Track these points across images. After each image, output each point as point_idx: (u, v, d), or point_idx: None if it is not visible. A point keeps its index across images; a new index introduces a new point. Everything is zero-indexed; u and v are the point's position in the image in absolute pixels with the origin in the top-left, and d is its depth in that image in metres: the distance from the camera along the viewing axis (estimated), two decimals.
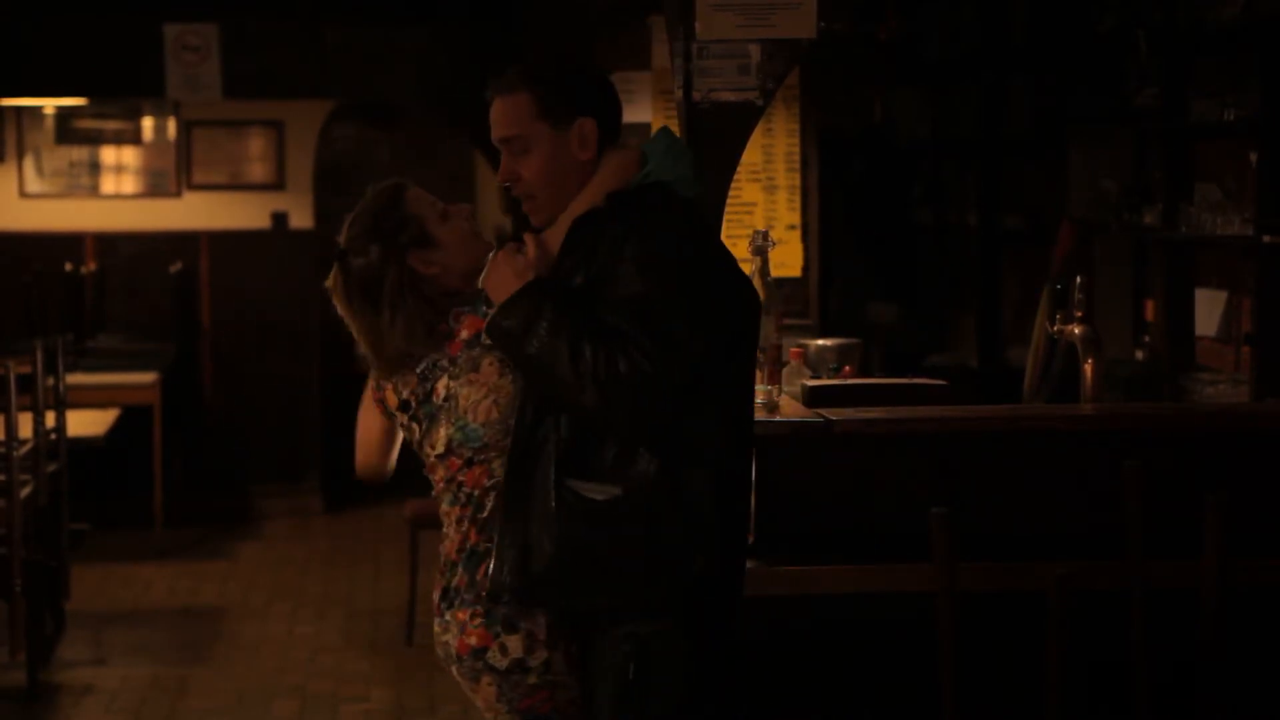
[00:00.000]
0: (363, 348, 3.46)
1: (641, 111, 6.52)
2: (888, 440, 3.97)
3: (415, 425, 3.43)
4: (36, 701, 6.68)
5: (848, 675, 3.87)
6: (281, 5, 9.71)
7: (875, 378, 5.67)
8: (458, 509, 3.39)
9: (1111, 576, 3.58)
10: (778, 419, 3.95)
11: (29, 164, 11.07)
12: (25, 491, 6.78)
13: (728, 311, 3.28)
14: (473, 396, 3.35)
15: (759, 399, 3.90)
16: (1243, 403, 6.17)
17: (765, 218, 6.44)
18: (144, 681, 6.98)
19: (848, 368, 5.51)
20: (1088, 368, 4.47)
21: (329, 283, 3.47)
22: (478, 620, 3.34)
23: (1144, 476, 3.53)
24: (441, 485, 3.42)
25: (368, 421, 3.58)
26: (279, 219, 11.23)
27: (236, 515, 10.50)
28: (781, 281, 4.80)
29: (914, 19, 8.79)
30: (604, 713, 3.29)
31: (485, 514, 3.36)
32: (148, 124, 11.18)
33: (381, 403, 3.50)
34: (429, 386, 3.39)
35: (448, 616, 3.39)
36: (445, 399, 3.37)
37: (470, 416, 3.35)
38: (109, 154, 11.19)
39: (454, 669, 3.41)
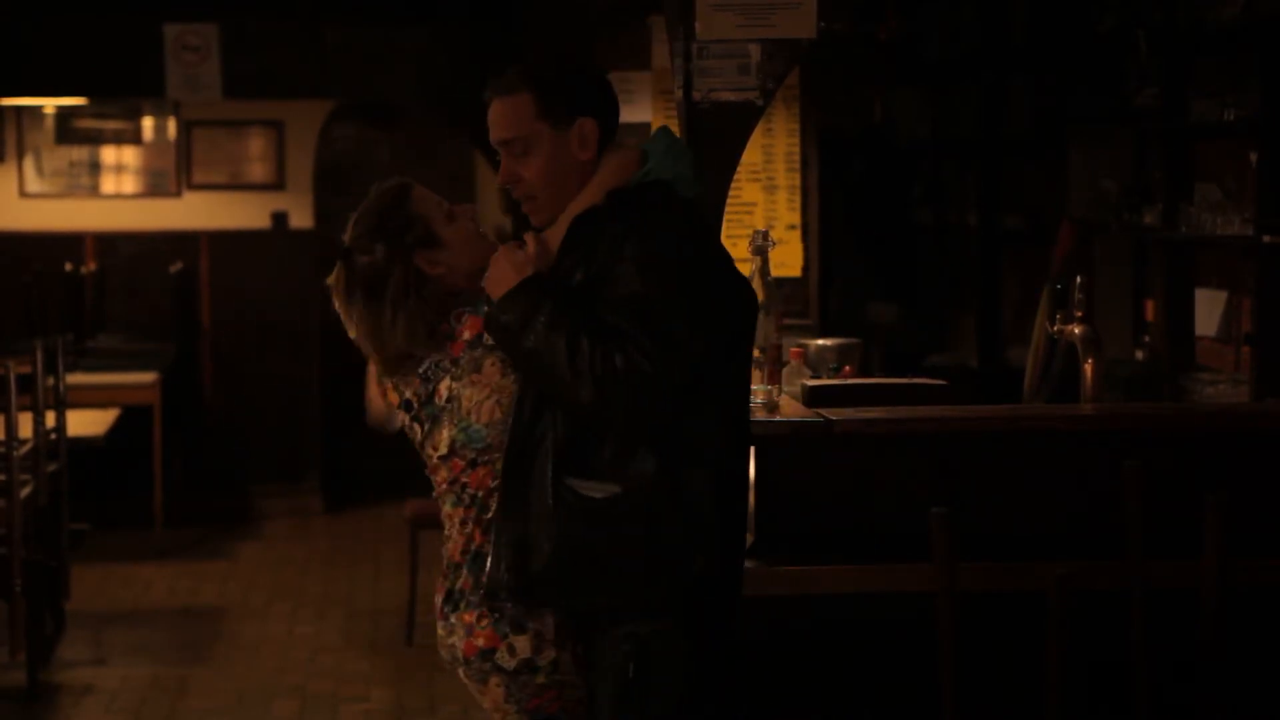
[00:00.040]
0: (362, 347, 3.45)
1: (641, 111, 6.53)
2: (888, 440, 3.97)
3: (417, 426, 3.42)
4: (36, 701, 6.68)
5: (848, 675, 3.87)
6: (281, 5, 9.71)
7: (875, 378, 5.66)
8: (461, 510, 3.39)
9: (1111, 576, 3.58)
10: (778, 419, 3.94)
11: (29, 164, 11.08)
12: (25, 491, 6.78)
13: (728, 312, 3.28)
14: (475, 397, 3.35)
15: (759, 399, 3.91)
16: (1243, 403, 6.17)
17: (765, 218, 6.44)
18: (144, 681, 6.98)
19: (848, 368, 5.50)
20: (1088, 368, 4.47)
21: (331, 280, 3.46)
22: (485, 622, 3.34)
23: (1144, 476, 3.53)
24: (444, 487, 3.41)
25: (373, 390, 3.57)
26: (279, 219, 11.23)
27: (236, 515, 10.50)
28: (781, 281, 4.79)
29: (914, 19, 8.79)
30: (604, 712, 3.29)
31: (490, 515, 3.35)
32: (148, 124, 11.18)
33: (384, 393, 3.49)
34: (431, 388, 3.38)
35: (453, 619, 3.38)
36: (448, 400, 3.37)
37: (473, 417, 3.35)
38: (109, 154, 11.19)
39: (460, 671, 3.40)
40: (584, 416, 3.18)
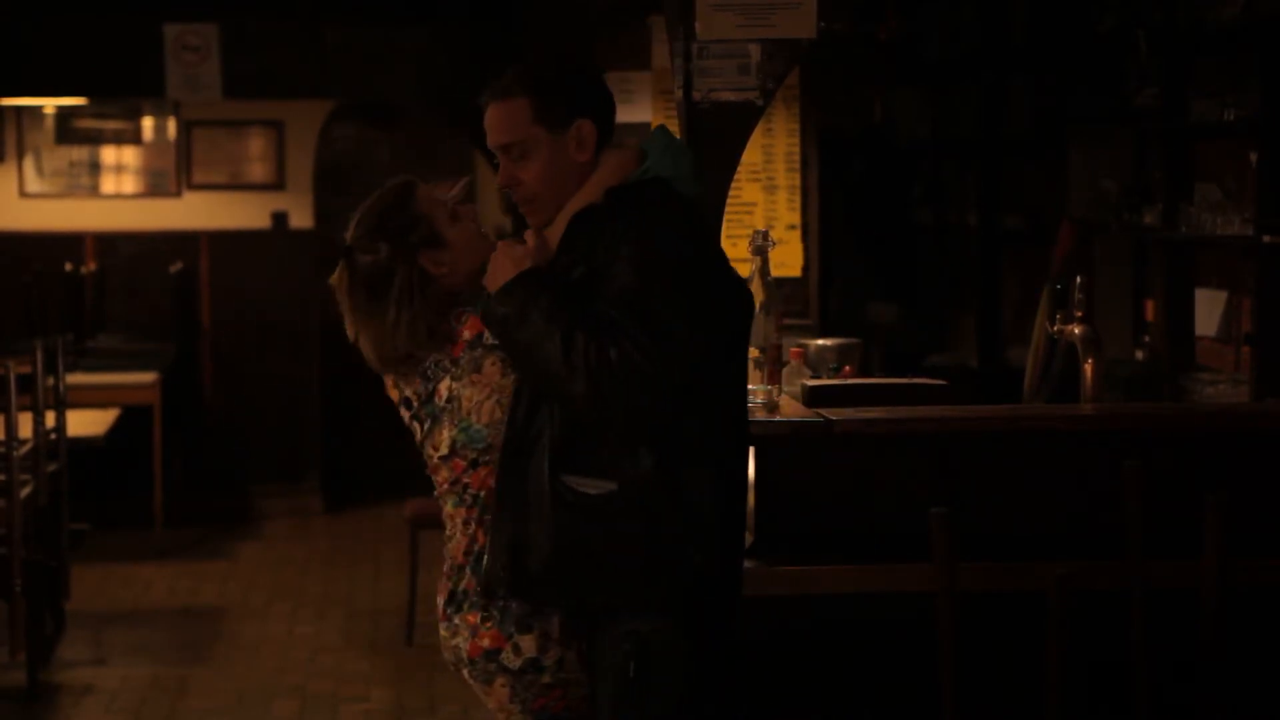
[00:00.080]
0: (362, 347, 3.45)
1: (641, 111, 6.53)
2: (888, 440, 3.97)
3: (417, 424, 3.42)
4: (36, 701, 6.68)
5: (848, 675, 3.87)
6: (281, 5, 9.71)
7: (875, 378, 5.66)
8: (464, 510, 3.39)
9: (1111, 576, 3.58)
10: (778, 419, 3.94)
11: (29, 164, 11.08)
12: (25, 491, 6.78)
13: (727, 311, 3.28)
14: (476, 397, 3.35)
15: (759, 399, 3.91)
16: (1243, 403, 6.17)
17: (765, 218, 6.44)
18: (144, 681, 6.98)
19: (848, 368, 5.50)
20: (1088, 368, 4.47)
21: (333, 279, 3.46)
22: (490, 622, 3.33)
23: (1144, 476, 3.53)
24: (446, 487, 3.41)
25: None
26: (279, 219, 11.23)
27: (236, 515, 10.49)
28: (781, 281, 4.79)
29: (914, 19, 8.79)
30: (604, 711, 3.29)
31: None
32: (148, 124, 11.18)
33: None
34: (431, 387, 3.38)
35: (456, 620, 3.38)
36: (448, 400, 3.36)
37: (474, 418, 3.34)
38: (109, 154, 11.19)
39: (465, 672, 3.40)
40: (579, 412, 3.17)
